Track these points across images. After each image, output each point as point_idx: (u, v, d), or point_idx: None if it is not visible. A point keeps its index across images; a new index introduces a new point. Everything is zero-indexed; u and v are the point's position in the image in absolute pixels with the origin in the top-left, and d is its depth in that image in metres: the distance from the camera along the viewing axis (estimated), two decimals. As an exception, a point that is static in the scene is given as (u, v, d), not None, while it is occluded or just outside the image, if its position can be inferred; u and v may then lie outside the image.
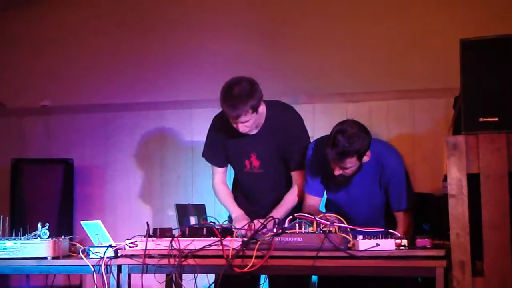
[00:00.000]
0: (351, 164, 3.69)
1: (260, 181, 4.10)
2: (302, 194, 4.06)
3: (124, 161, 5.70)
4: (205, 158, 4.24)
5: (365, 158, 3.72)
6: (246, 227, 3.70)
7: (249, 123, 3.86)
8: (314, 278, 4.36)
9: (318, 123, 5.15)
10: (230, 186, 4.35)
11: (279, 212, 3.95)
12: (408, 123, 5.08)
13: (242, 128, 3.87)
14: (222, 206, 4.40)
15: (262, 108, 3.92)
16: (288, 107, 4.11)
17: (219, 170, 4.22)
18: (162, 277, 3.73)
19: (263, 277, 4.27)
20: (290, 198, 4.04)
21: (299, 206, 4.10)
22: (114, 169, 5.69)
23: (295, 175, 4.07)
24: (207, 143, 4.20)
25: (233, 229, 3.68)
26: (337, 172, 3.73)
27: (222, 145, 4.12)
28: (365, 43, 5.25)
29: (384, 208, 3.95)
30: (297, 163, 4.03)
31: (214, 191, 4.27)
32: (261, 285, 4.33)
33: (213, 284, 3.52)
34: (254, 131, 3.97)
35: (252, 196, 4.20)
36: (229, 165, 4.25)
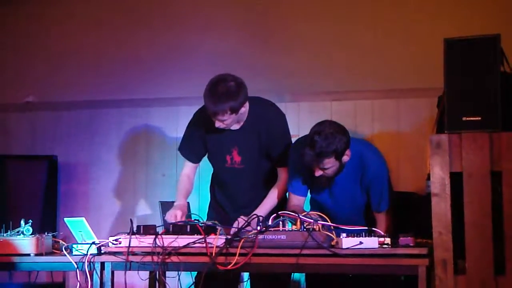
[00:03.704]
0: (330, 164, 3.69)
1: (240, 177, 4.09)
2: (286, 190, 4.06)
3: (109, 158, 5.68)
4: (181, 153, 4.23)
5: (345, 158, 3.72)
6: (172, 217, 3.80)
7: (226, 122, 3.86)
8: (297, 276, 4.38)
9: (303, 121, 5.16)
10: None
11: (263, 208, 3.95)
12: (392, 122, 5.09)
13: (218, 124, 3.87)
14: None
15: (245, 108, 3.92)
16: (271, 104, 4.11)
17: (190, 164, 4.22)
18: (145, 274, 3.73)
19: (246, 275, 4.29)
20: (274, 195, 4.04)
21: (284, 203, 4.12)
22: (99, 166, 5.67)
23: (280, 171, 4.07)
24: (185, 138, 4.19)
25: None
26: (317, 173, 3.73)
27: (201, 140, 4.12)
28: (350, 42, 5.26)
29: (365, 209, 3.96)
30: (281, 160, 4.04)
31: (178, 181, 4.25)
32: (244, 283, 4.34)
33: (195, 282, 3.53)
34: (236, 127, 3.97)
35: (231, 192, 4.19)
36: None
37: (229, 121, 3.87)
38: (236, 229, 3.51)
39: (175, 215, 3.87)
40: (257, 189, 4.11)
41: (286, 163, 4.02)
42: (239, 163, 4.06)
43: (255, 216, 3.56)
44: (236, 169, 4.08)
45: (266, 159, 4.08)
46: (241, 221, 3.72)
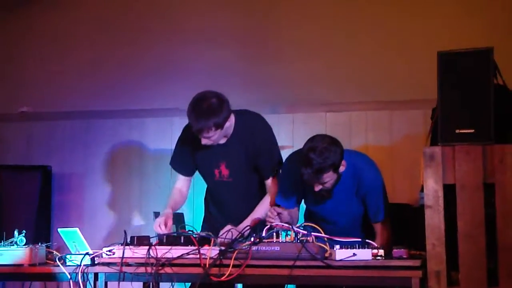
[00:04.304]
0: (329, 178, 3.69)
1: (229, 190, 4.11)
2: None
3: (103, 168, 5.68)
4: (172, 167, 4.25)
5: (341, 168, 3.73)
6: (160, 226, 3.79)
7: (212, 138, 3.87)
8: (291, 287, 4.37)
9: (297, 133, 5.17)
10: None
11: (254, 216, 3.94)
12: (386, 133, 5.11)
13: (204, 141, 3.88)
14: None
15: (230, 122, 3.93)
16: (257, 116, 4.12)
17: (182, 178, 4.23)
18: (139, 285, 3.72)
19: (240, 286, 4.28)
20: (262, 207, 4.02)
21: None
22: (93, 176, 5.67)
23: (269, 183, 4.06)
24: (176, 152, 4.21)
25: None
26: (317, 188, 3.72)
27: (190, 155, 4.13)
28: (344, 54, 5.28)
29: (361, 219, 3.97)
30: (269, 171, 4.04)
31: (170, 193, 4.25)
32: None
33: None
34: (223, 141, 3.98)
35: (222, 205, 4.20)
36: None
37: (215, 137, 3.88)
38: (227, 239, 3.52)
39: (159, 226, 3.87)
40: (248, 201, 4.10)
41: (273, 174, 4.03)
42: (228, 177, 4.07)
43: (248, 227, 3.56)
44: (225, 183, 4.09)
45: (254, 172, 4.08)
46: (228, 228, 3.72)
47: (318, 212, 4.00)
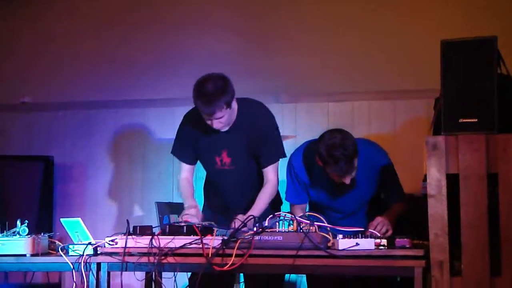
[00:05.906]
0: (356, 163, 3.74)
1: (231, 178, 4.09)
2: (275, 189, 4.07)
3: (105, 158, 5.68)
4: (174, 155, 4.22)
5: None
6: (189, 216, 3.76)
7: (223, 119, 3.85)
8: (294, 277, 4.38)
9: (300, 122, 5.17)
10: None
11: (255, 210, 3.92)
12: (389, 123, 5.11)
13: (216, 124, 3.86)
14: (200, 203, 4.41)
15: (235, 104, 3.92)
16: (259, 104, 4.11)
17: (187, 167, 4.18)
18: (141, 275, 3.72)
19: (242, 276, 4.29)
20: (265, 196, 4.01)
21: (278, 204, 4.14)
22: (95, 166, 5.68)
23: (268, 172, 4.03)
24: (177, 140, 4.18)
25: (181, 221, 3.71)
26: (348, 180, 3.76)
27: (192, 142, 4.10)
28: (347, 43, 5.27)
29: (368, 203, 4.04)
30: (269, 159, 4.02)
31: (178, 186, 4.24)
32: (240, 284, 4.34)
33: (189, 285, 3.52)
34: (226, 128, 3.96)
35: (222, 193, 4.19)
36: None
37: (226, 117, 3.86)
38: (233, 230, 3.52)
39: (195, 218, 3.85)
40: (247, 189, 4.10)
41: (273, 160, 4.02)
42: (229, 164, 4.05)
43: (251, 217, 3.56)
44: (226, 171, 4.07)
45: (254, 160, 4.07)
46: (238, 220, 3.72)
47: (327, 202, 4.02)
